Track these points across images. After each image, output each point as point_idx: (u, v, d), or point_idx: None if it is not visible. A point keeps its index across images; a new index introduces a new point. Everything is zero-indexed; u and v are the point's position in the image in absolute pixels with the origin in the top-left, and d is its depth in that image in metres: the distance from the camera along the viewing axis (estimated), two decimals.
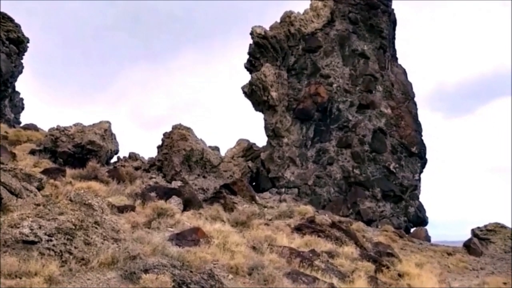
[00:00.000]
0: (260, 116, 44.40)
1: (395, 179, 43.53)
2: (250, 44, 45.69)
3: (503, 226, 42.23)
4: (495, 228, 41.72)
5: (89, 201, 12.70)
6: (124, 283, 10.52)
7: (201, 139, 33.08)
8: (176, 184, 27.89)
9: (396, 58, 48.52)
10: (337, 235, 21.99)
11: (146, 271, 10.92)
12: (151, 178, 30.92)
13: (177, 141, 31.74)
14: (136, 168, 34.02)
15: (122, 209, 17.47)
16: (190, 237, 15.72)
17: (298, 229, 22.26)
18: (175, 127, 33.18)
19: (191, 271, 11.96)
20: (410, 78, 48.06)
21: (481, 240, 39.36)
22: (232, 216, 22.14)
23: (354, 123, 43.42)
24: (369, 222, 39.63)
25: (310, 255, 17.50)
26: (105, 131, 33.02)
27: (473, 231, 42.18)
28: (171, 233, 16.03)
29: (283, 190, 40.99)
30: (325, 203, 41.09)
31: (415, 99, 47.48)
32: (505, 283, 22.83)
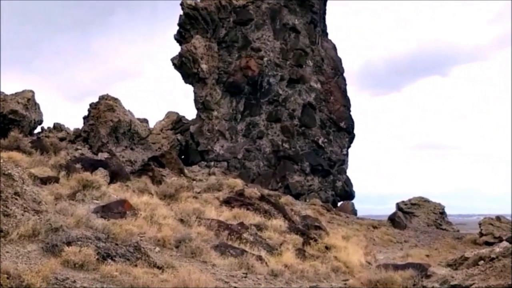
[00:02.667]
0: (190, 88, 43.84)
1: (323, 154, 43.97)
2: (180, 15, 44.83)
3: (426, 200, 43.43)
4: (419, 202, 42.86)
5: (9, 171, 12.07)
6: (46, 256, 10.07)
7: (129, 111, 32.37)
8: (102, 155, 27.23)
9: (327, 34, 48.73)
10: (266, 208, 21.94)
11: (68, 243, 10.49)
12: (76, 149, 30.13)
13: (104, 112, 30.95)
14: (61, 139, 33.06)
15: (45, 181, 16.87)
16: (116, 209, 15.34)
17: (227, 202, 22.10)
18: (102, 98, 32.33)
19: (116, 244, 11.60)
20: (339, 54, 48.45)
21: (405, 213, 40.38)
22: (160, 188, 21.81)
23: (284, 97, 43.45)
24: (297, 196, 39.93)
25: (239, 228, 17.39)
26: (28, 100, 31.89)
27: (397, 205, 43.22)
28: (96, 206, 15.58)
29: (212, 163, 40.72)
30: (255, 177, 41.11)
31: (344, 74, 47.95)
32: (427, 256, 23.38)
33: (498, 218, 31.93)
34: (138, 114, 37.23)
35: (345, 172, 46.41)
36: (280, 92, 43.47)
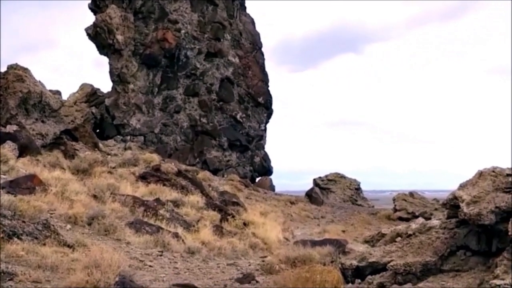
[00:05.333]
0: (105, 60, 42.53)
1: (241, 129, 43.82)
2: None
3: (342, 176, 44.12)
4: (335, 178, 43.49)
5: None
6: None
7: (40, 81, 30.98)
8: (11, 128, 25.91)
9: (245, 7, 48.21)
10: (183, 184, 21.60)
11: None
12: None
13: (12, 82, 29.42)
14: None
15: None
16: (25, 184, 14.66)
17: (143, 177, 21.62)
18: (10, 67, 30.69)
19: (23, 221, 10.94)
20: (257, 29, 48.14)
21: (322, 189, 40.87)
22: (73, 163, 21.11)
23: (202, 71, 42.87)
24: (215, 171, 39.66)
25: (155, 204, 17.05)
26: None
27: (314, 180, 43.70)
28: (3, 181, 14.78)
29: (128, 137, 39.80)
30: (172, 152, 40.52)
31: (262, 49, 47.75)
32: (344, 231, 23.66)
33: (411, 194, 32.73)
34: (50, 86, 35.84)
35: (263, 148, 46.49)
36: (198, 65, 42.84)
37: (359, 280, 10.31)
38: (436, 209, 27.82)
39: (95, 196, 16.19)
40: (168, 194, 19.47)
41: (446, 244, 9.26)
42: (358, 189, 44.08)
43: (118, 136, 39.88)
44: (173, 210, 17.36)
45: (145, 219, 15.37)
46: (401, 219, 27.92)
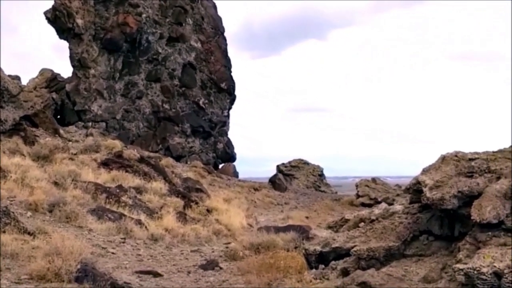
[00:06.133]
0: (65, 44, 41.73)
1: (204, 115, 43.60)
2: None
3: (305, 163, 44.33)
4: (299, 164, 43.67)
5: None
6: None
7: None
8: None
9: None
10: (146, 171, 21.42)
11: None
12: None
13: None
14: None
15: None
16: None
17: (105, 164, 21.38)
18: None
19: None
20: (219, 13, 47.76)
21: (285, 175, 40.97)
22: (33, 149, 20.71)
23: (164, 56, 42.41)
24: (178, 158, 39.41)
25: (117, 190, 16.90)
26: None
27: (278, 167, 43.82)
28: None
29: (90, 124, 39.23)
30: (134, 138, 40.13)
31: (225, 34, 47.43)
32: (307, 217, 23.73)
33: (374, 179, 32.98)
34: (9, 71, 35.05)
35: (226, 134, 46.36)
36: (160, 50, 42.36)
37: (323, 266, 10.34)
38: (398, 195, 28.08)
39: (56, 183, 15.97)
40: (131, 180, 19.30)
41: (409, 229, 9.33)
42: (321, 175, 44.33)
43: (79, 122, 39.28)
44: (136, 197, 17.23)
45: (108, 206, 15.22)
46: (363, 205, 28.13)
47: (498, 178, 8.13)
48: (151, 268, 11.16)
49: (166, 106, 41.83)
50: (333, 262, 10.21)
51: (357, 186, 32.62)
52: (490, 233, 7.27)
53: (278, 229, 14.07)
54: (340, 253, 10.27)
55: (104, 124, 39.90)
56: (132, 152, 23.41)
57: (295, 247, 11.80)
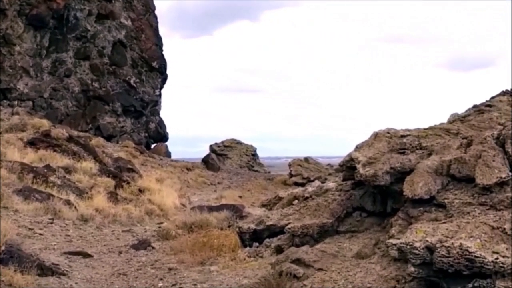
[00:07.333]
0: None
1: (135, 94, 42.90)
2: None
3: (238, 142, 44.34)
4: (232, 144, 43.63)
5: None
6: None
7: None
8: None
9: None
10: (75, 150, 20.87)
11: None
12: None
13: None
14: None
15: None
16: None
17: (32, 143, 20.73)
18: None
19: None
20: None
21: (218, 155, 40.84)
22: None
23: (93, 33, 41.33)
24: (109, 138, 38.64)
25: (45, 170, 16.41)
26: None
27: (211, 147, 43.66)
28: None
29: (15, 102, 37.96)
30: (63, 117, 39.07)
31: (156, 13, 46.67)
32: (241, 197, 23.73)
33: (306, 159, 33.27)
34: None
35: (158, 114, 45.82)
36: (89, 27, 41.25)
37: (257, 244, 10.32)
38: (330, 174, 28.37)
39: None
40: (59, 160, 18.77)
41: (342, 205, 9.39)
42: (254, 155, 44.44)
43: (5, 101, 37.92)
44: (65, 177, 16.77)
45: (35, 186, 14.75)
46: (297, 184, 28.25)
47: (429, 154, 8.23)
48: (80, 248, 10.89)
49: (96, 84, 40.89)
50: (267, 240, 10.20)
51: (290, 165, 32.80)
52: (421, 208, 7.34)
53: (211, 209, 13.97)
54: (274, 231, 10.26)
55: (30, 103, 38.65)
56: (60, 131, 22.75)
57: (229, 226, 11.75)
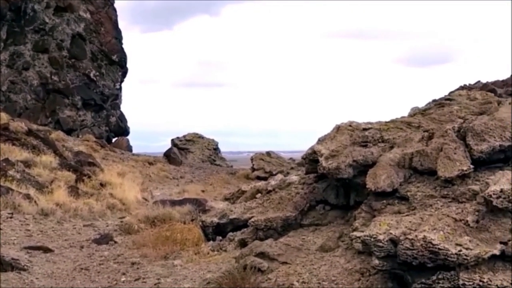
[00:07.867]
0: None
1: (95, 88, 42.43)
2: None
3: (200, 137, 44.17)
4: (193, 138, 43.42)
5: None
6: None
7: None
8: None
9: None
10: (34, 144, 20.50)
11: None
12: None
13: None
14: None
15: None
16: None
17: None
18: None
19: None
20: None
21: (180, 149, 40.60)
22: None
23: (51, 26, 40.71)
24: (69, 131, 38.15)
25: (4, 164, 16.10)
26: None
27: (172, 141, 43.36)
28: None
29: None
30: (22, 111, 38.44)
31: (115, 6, 46.16)
32: (203, 191, 23.69)
33: (268, 153, 33.33)
34: None
35: (119, 108, 45.42)
36: (47, 20, 40.61)
37: (220, 237, 10.31)
38: (292, 168, 28.44)
39: None
40: (18, 154, 18.40)
41: (306, 199, 9.40)
42: (216, 149, 44.29)
43: None
44: (24, 171, 16.48)
45: None
46: (259, 178, 28.25)
47: (391, 147, 8.30)
48: (41, 243, 10.74)
49: (55, 78, 40.30)
50: (230, 233, 10.18)
51: (252, 159, 32.83)
52: (385, 201, 7.40)
53: (174, 203, 13.92)
54: (238, 224, 10.26)
55: None
56: (19, 125, 22.35)
57: (192, 220, 11.70)
